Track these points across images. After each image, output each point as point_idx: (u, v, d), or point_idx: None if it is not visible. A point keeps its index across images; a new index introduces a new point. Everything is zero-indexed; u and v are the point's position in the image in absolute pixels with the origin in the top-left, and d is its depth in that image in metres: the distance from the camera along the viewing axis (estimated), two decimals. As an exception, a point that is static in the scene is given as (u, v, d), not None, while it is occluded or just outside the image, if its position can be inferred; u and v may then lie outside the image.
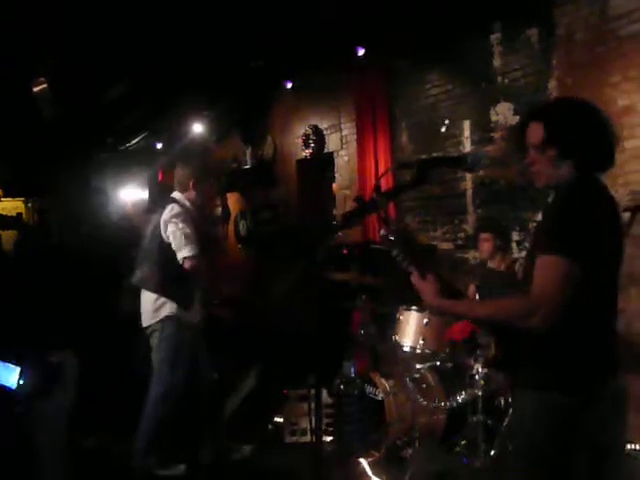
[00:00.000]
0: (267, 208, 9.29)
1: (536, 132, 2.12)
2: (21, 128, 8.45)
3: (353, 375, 1.66)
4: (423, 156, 6.36)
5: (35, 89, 6.10)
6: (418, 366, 4.40)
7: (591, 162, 2.11)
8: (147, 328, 4.19)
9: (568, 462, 2.02)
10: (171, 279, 4.06)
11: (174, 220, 4.03)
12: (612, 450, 2.13)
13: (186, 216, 4.09)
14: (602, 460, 2.07)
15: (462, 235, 5.96)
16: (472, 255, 5.76)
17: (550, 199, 2.20)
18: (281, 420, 4.78)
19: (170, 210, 4.07)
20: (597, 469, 2.06)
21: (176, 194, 4.25)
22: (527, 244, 3.39)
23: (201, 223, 4.20)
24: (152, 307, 4.13)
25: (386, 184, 6.54)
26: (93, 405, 4.95)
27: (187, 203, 4.18)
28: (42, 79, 6.07)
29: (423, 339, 4.37)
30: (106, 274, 6.39)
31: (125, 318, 5.53)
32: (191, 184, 4.20)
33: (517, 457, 2.16)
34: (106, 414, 4.94)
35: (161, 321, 4.11)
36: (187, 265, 3.96)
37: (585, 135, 2.07)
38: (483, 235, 4.52)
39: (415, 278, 2.21)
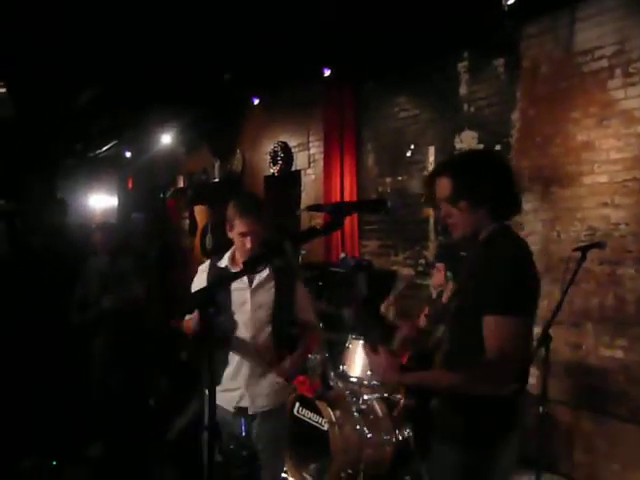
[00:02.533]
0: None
1: (445, 187, 2.16)
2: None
3: (244, 434, 1.56)
4: (387, 179, 6.36)
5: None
6: (366, 397, 4.31)
7: (503, 208, 2.16)
8: None
9: None
10: None
11: None
12: None
13: None
14: None
15: (423, 261, 5.91)
16: (432, 282, 5.72)
17: (478, 251, 2.17)
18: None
19: None
20: None
21: None
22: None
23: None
24: None
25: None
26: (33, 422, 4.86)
27: None
28: (1, 83, 5.93)
29: (371, 370, 4.30)
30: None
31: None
32: None
33: None
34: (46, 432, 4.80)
35: None
36: None
37: (492, 184, 2.11)
38: (437, 264, 4.46)
39: (369, 356, 2.19)
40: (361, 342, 4.39)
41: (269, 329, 3.00)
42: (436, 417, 2.15)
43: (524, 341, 2.00)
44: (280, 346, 2.98)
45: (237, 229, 2.94)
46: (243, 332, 2.97)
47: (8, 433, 4.71)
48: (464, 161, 2.26)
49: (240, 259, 2.99)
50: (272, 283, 3.03)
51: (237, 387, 2.93)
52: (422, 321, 4.27)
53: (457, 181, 2.12)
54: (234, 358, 2.98)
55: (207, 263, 3.16)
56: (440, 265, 4.31)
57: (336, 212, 1.49)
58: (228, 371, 2.98)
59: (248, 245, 2.93)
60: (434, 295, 4.50)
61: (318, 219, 6.69)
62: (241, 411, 1.66)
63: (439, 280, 4.32)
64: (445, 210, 2.19)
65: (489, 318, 1.96)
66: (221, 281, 2.48)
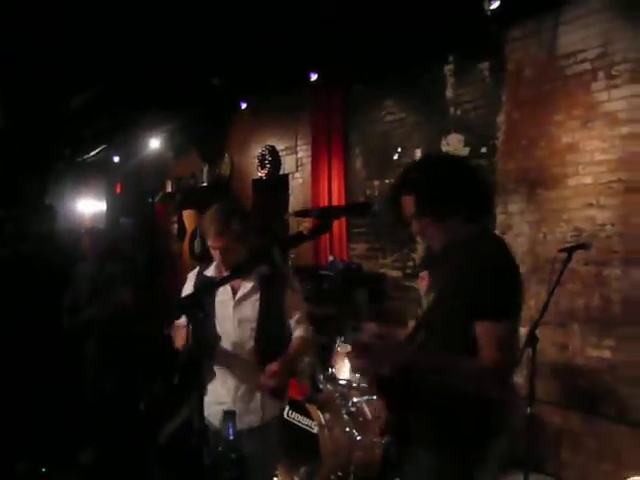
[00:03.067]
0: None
1: (409, 205, 2.12)
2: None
3: (232, 437, 1.56)
4: (375, 182, 6.38)
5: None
6: (355, 399, 4.32)
7: (474, 212, 2.11)
8: None
9: None
10: None
11: None
12: None
13: None
14: None
15: (411, 264, 5.94)
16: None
17: (458, 256, 2.12)
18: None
19: None
20: None
21: None
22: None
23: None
24: None
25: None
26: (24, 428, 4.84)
27: None
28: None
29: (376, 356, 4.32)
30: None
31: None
32: None
33: None
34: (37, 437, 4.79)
35: None
36: None
37: (456, 192, 2.06)
38: (420, 274, 4.43)
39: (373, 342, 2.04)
40: (349, 346, 4.40)
41: (251, 344, 2.91)
42: (414, 424, 2.11)
43: (515, 345, 2.00)
44: (264, 363, 2.83)
45: (208, 241, 2.90)
46: (227, 345, 2.89)
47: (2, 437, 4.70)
48: (423, 174, 2.16)
49: (223, 269, 2.92)
50: (257, 295, 2.93)
51: (224, 402, 2.86)
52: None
53: (418, 198, 2.07)
54: (220, 372, 2.93)
55: (195, 270, 3.13)
56: (424, 273, 4.27)
57: (323, 216, 1.50)
58: (215, 385, 2.94)
59: (216, 259, 2.89)
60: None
61: (306, 223, 6.64)
62: (229, 414, 1.67)
63: (424, 288, 4.32)
64: (416, 227, 2.14)
65: (482, 324, 1.93)
66: (206, 287, 2.45)
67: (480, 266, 2.00)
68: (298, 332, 3.04)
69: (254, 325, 2.91)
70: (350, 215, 1.93)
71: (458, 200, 2.06)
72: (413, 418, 2.10)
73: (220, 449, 1.59)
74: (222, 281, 2.36)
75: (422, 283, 4.26)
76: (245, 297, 2.92)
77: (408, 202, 2.11)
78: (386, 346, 2.03)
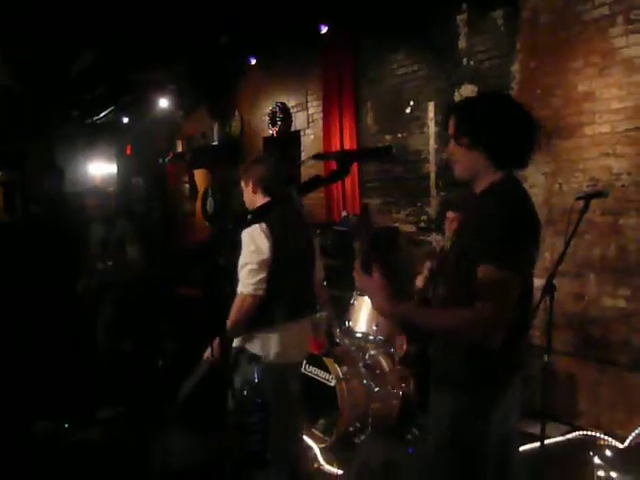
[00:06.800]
0: (235, 185, 9.16)
1: (452, 124, 2.12)
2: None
3: (257, 380, 1.58)
4: (387, 136, 6.32)
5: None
6: (372, 352, 4.36)
7: (505, 156, 2.07)
8: None
9: (483, 451, 2.06)
10: None
11: None
12: (512, 435, 2.18)
13: None
14: (506, 445, 2.14)
15: (425, 218, 5.92)
16: (434, 238, 5.73)
17: (478, 200, 2.11)
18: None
19: None
20: (503, 453, 2.13)
21: None
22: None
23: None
24: None
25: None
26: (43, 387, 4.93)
27: None
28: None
29: (376, 325, 4.35)
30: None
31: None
32: None
33: (438, 451, 2.13)
34: (57, 396, 4.88)
35: None
36: None
37: (494, 124, 2.04)
38: (449, 214, 4.29)
39: (359, 279, 2.05)
40: (366, 298, 4.42)
41: None
42: (432, 364, 2.14)
43: (513, 297, 1.91)
44: None
45: None
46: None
47: (20, 398, 4.79)
48: (477, 101, 2.20)
49: None
50: None
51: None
52: (426, 272, 4.15)
53: (459, 116, 2.09)
54: None
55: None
56: (452, 214, 4.11)
57: (343, 159, 1.47)
58: None
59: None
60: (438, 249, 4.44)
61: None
62: (254, 358, 1.67)
63: (454, 229, 4.18)
64: (450, 147, 2.14)
65: (484, 268, 1.90)
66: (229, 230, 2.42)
67: (496, 212, 1.96)
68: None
69: None
70: (369, 158, 1.91)
71: (491, 132, 2.04)
72: (431, 352, 2.12)
73: (245, 393, 1.60)
74: (251, 220, 2.39)
75: (451, 225, 4.06)
76: None
77: (452, 121, 2.12)
78: (374, 290, 2.02)
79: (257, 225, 2.85)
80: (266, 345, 2.90)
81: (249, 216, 2.80)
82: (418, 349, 2.13)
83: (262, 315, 2.88)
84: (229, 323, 2.92)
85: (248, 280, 2.83)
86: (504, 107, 2.09)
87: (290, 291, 2.97)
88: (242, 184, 3.19)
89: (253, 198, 3.12)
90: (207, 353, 2.93)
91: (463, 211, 2.27)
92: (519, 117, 2.07)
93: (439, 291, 2.14)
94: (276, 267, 2.88)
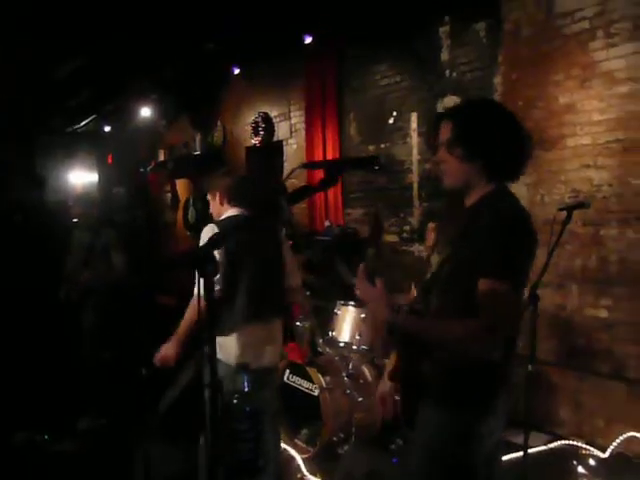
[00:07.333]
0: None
1: (446, 130, 2.06)
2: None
3: (247, 389, 1.58)
4: (370, 147, 6.35)
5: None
6: (355, 362, 4.35)
7: (501, 168, 2.05)
8: None
9: (475, 464, 2.05)
10: None
11: None
12: (498, 447, 2.17)
13: None
14: (492, 457, 2.13)
15: (407, 228, 5.94)
16: (417, 249, 5.75)
17: (474, 211, 2.07)
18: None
19: None
20: (490, 465, 2.11)
21: None
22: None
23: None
24: None
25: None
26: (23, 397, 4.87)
27: None
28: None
29: (359, 334, 4.35)
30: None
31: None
32: None
33: (428, 465, 2.10)
34: (37, 406, 4.81)
35: None
36: None
37: (493, 138, 2.00)
38: (430, 225, 4.35)
39: (362, 288, 2.02)
40: (350, 308, 4.42)
41: None
42: (424, 379, 2.10)
43: (516, 309, 1.95)
44: None
45: None
46: None
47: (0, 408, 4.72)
48: (471, 109, 2.12)
49: None
50: None
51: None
52: (413, 292, 4.19)
53: (457, 126, 2.03)
54: None
55: None
56: (433, 225, 4.18)
57: (331, 169, 1.47)
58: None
59: None
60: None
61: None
62: (243, 366, 1.67)
63: (431, 240, 4.25)
64: (441, 155, 2.09)
65: (485, 281, 1.89)
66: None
67: (495, 224, 1.94)
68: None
69: None
70: (358, 167, 1.89)
71: (491, 145, 2.01)
72: (424, 369, 2.08)
73: (235, 401, 1.59)
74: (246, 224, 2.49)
75: (430, 235, 4.13)
76: None
77: (446, 128, 2.06)
78: (376, 298, 2.00)
79: (209, 226, 2.98)
80: (224, 348, 2.94)
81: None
82: (409, 364, 2.09)
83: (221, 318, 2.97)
84: (181, 333, 3.08)
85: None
86: (500, 119, 2.05)
87: (250, 295, 3.02)
88: (209, 196, 3.25)
89: (220, 210, 3.20)
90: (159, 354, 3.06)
91: (449, 222, 2.23)
92: (514, 129, 2.04)
93: (432, 303, 2.11)
94: (232, 270, 2.95)
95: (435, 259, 2.16)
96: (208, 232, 2.97)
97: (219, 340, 2.94)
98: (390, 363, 2.28)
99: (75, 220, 5.61)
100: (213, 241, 1.43)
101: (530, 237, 1.98)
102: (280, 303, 3.33)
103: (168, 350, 3.06)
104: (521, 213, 2.01)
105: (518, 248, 1.92)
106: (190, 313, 3.08)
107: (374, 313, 2.02)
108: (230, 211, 3.16)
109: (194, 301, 2.99)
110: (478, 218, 2.01)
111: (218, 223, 3.07)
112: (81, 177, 13.20)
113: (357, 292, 2.04)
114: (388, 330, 2.04)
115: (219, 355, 2.81)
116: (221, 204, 3.19)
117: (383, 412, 2.39)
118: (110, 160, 12.76)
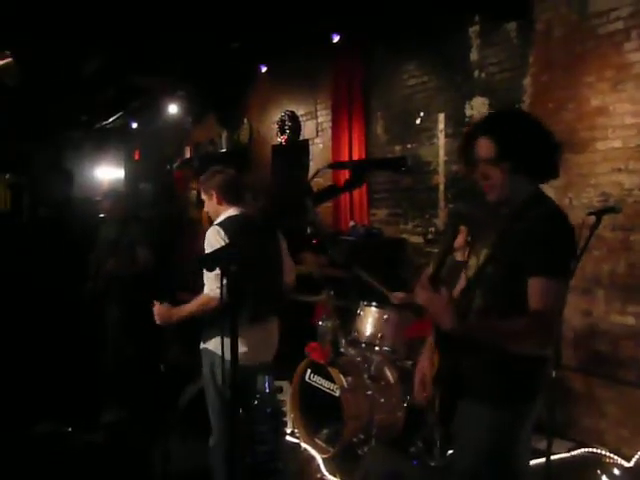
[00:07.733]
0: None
1: (487, 147, 2.11)
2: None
3: (267, 391, 1.57)
4: (397, 147, 6.31)
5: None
6: (377, 363, 4.32)
7: (542, 172, 2.15)
8: None
9: (522, 462, 2.18)
10: None
11: None
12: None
13: None
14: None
15: (432, 229, 5.89)
16: (441, 250, 5.69)
17: (517, 214, 2.15)
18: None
19: None
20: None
21: None
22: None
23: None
24: None
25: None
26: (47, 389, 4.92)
27: None
28: (7, 52, 5.88)
29: (382, 336, 4.32)
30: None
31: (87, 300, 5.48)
32: None
33: (477, 465, 2.15)
34: (61, 398, 4.86)
35: None
36: None
37: (535, 148, 2.10)
38: (462, 228, 4.30)
39: (425, 296, 2.02)
40: (372, 309, 4.39)
41: None
42: (468, 378, 2.14)
43: (564, 305, 2.08)
44: None
45: None
46: None
47: (24, 398, 4.77)
48: (508, 120, 2.21)
49: None
50: None
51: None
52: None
53: (502, 142, 2.08)
54: None
55: None
56: (462, 228, 4.15)
57: (358, 169, 1.46)
58: None
59: None
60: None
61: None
62: (264, 367, 1.66)
63: (460, 242, 4.20)
64: (484, 171, 2.14)
65: (536, 279, 1.98)
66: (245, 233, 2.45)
67: (543, 225, 2.04)
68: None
69: None
70: (385, 168, 1.92)
71: (535, 154, 2.10)
72: (468, 370, 2.13)
73: (256, 403, 1.58)
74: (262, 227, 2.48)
75: (461, 238, 4.09)
76: None
77: (486, 144, 2.11)
78: (441, 307, 2.00)
79: (214, 228, 3.00)
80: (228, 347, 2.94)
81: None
82: (450, 365, 2.12)
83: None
84: (183, 311, 3.08)
85: (216, 284, 2.86)
86: (535, 127, 2.14)
87: (254, 295, 2.98)
88: (204, 196, 3.26)
89: (218, 209, 3.19)
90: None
91: (483, 226, 2.29)
92: (546, 135, 2.15)
93: (476, 303, 2.16)
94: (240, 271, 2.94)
95: (473, 261, 2.21)
96: (213, 234, 2.97)
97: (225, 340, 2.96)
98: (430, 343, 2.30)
99: (102, 215, 5.67)
100: (233, 244, 1.42)
101: (573, 235, 2.08)
102: (279, 302, 3.34)
103: (168, 310, 3.15)
104: (561, 213, 2.12)
105: (564, 246, 2.04)
106: (198, 303, 3.07)
107: (437, 321, 2.05)
108: (229, 210, 3.15)
109: (204, 294, 3.03)
110: (520, 221, 2.10)
111: (222, 225, 3.06)
112: (108, 173, 13.34)
113: (419, 299, 2.07)
114: (437, 332, 2.11)
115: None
116: (219, 204, 3.19)
117: (417, 395, 2.39)
118: (137, 156, 12.87)
